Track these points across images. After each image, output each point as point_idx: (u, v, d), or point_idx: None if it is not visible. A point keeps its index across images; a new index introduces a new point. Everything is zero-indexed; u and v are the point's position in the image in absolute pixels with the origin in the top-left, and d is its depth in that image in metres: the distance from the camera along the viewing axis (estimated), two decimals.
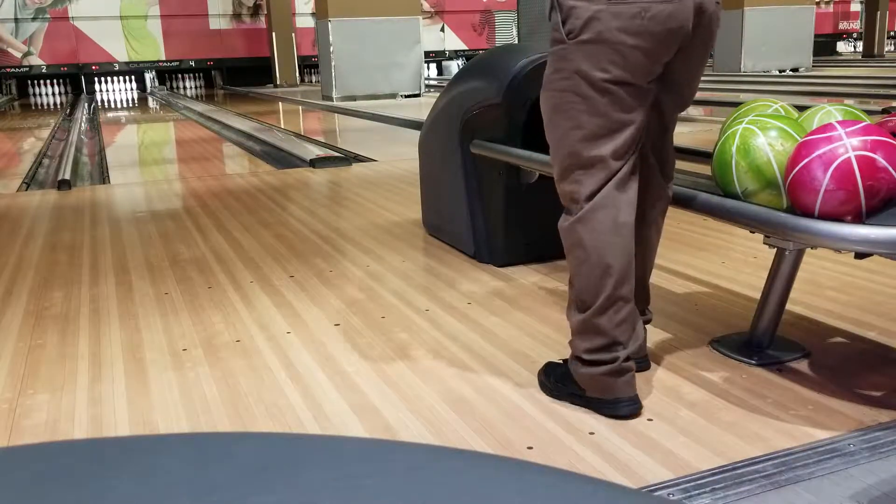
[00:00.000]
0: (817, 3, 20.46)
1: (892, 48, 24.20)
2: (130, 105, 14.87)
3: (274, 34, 17.54)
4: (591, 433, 1.72)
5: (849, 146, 1.63)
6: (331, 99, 11.88)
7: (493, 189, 2.98)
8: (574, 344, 1.83)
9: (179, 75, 19.02)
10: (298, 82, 17.99)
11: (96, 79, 18.16)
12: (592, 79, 1.67)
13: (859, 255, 1.74)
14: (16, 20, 17.43)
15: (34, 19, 17.55)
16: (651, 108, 1.79)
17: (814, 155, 1.66)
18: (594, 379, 1.79)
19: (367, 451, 0.45)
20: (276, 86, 17.46)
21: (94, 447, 0.46)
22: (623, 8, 1.62)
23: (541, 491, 0.41)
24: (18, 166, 6.84)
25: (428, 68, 17.70)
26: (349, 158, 6.07)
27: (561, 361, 1.98)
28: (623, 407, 1.78)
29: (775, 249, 1.96)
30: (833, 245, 1.66)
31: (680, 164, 2.03)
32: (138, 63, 18.45)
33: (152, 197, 4.96)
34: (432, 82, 15.32)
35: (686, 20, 1.66)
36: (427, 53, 15.31)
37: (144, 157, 7.70)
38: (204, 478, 0.41)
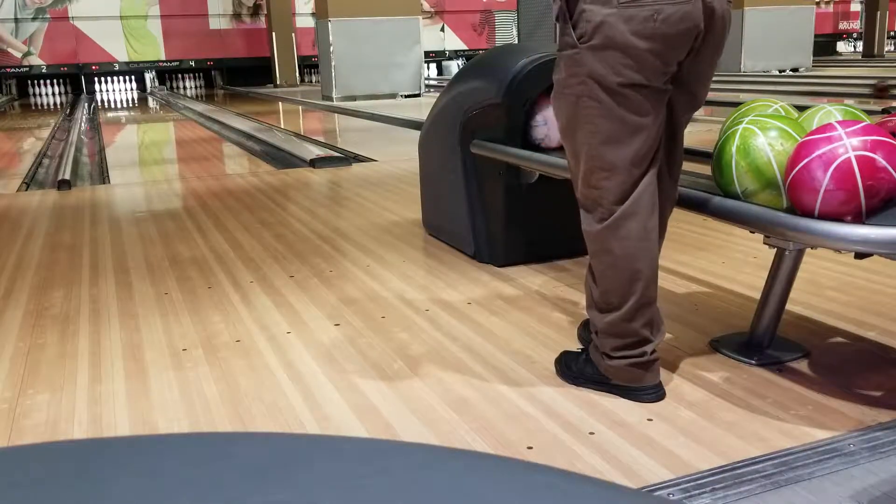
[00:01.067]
0: (817, 3, 20.45)
1: (892, 48, 24.19)
2: (130, 105, 14.87)
3: (274, 34, 17.53)
4: (591, 433, 1.72)
5: (849, 146, 1.63)
6: (331, 99, 11.88)
7: (493, 189, 2.98)
8: (601, 342, 1.87)
9: (179, 75, 19.01)
10: (298, 82, 17.99)
11: (96, 79, 18.15)
12: (607, 83, 1.67)
13: (859, 255, 1.74)
14: (16, 20, 17.42)
15: (34, 19, 17.54)
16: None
17: (814, 155, 1.66)
18: (621, 370, 1.85)
19: (367, 451, 0.45)
20: (276, 86, 17.46)
21: (94, 447, 0.46)
22: (635, 11, 1.61)
23: (541, 491, 0.41)
24: (18, 166, 6.84)
25: (428, 68, 17.69)
26: (349, 158, 6.07)
27: (579, 350, 2.05)
28: (647, 394, 1.86)
29: (775, 249, 1.96)
30: (833, 245, 1.66)
31: None
32: (138, 63, 18.45)
33: (152, 197, 4.96)
34: (432, 82, 15.31)
35: (699, 20, 1.66)
36: (427, 53, 15.29)
37: (144, 157, 7.70)
38: (204, 478, 0.41)
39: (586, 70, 1.68)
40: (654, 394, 1.86)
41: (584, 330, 2.20)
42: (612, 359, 1.85)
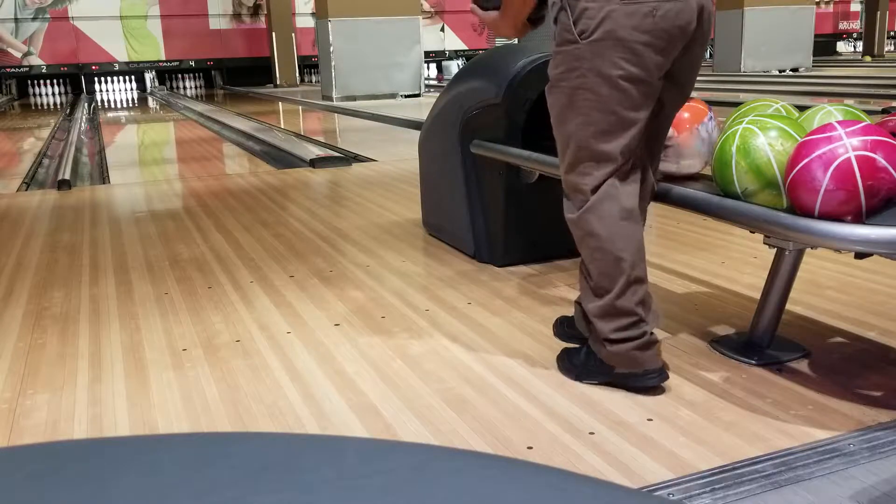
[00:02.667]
0: (817, 3, 20.45)
1: (892, 48, 24.19)
2: (130, 105, 14.86)
3: (274, 34, 17.53)
4: (591, 433, 1.72)
5: (849, 146, 1.63)
6: (331, 99, 11.88)
7: (493, 189, 2.98)
8: (598, 328, 1.88)
9: (179, 75, 19.00)
10: (298, 82, 17.98)
11: (96, 79, 18.14)
12: (607, 76, 1.72)
13: (859, 255, 1.74)
14: (16, 20, 17.42)
15: (34, 19, 17.54)
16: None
17: (814, 155, 1.66)
18: (623, 355, 1.86)
19: (367, 451, 0.45)
20: (276, 86, 17.46)
21: (94, 447, 0.46)
22: (635, 7, 1.68)
23: (541, 491, 0.41)
24: (18, 166, 6.84)
25: (428, 68, 17.69)
26: (349, 158, 6.07)
27: (578, 346, 2.06)
28: (651, 378, 1.87)
29: (775, 249, 1.96)
30: (833, 245, 1.66)
31: None
32: (138, 63, 18.45)
33: (152, 197, 4.96)
34: (432, 82, 15.31)
35: (692, 17, 1.73)
36: (427, 53, 15.30)
37: (144, 157, 7.70)
38: (204, 478, 0.41)
39: (587, 64, 1.73)
40: (658, 377, 1.87)
41: (570, 326, 2.21)
42: (613, 343, 1.86)
